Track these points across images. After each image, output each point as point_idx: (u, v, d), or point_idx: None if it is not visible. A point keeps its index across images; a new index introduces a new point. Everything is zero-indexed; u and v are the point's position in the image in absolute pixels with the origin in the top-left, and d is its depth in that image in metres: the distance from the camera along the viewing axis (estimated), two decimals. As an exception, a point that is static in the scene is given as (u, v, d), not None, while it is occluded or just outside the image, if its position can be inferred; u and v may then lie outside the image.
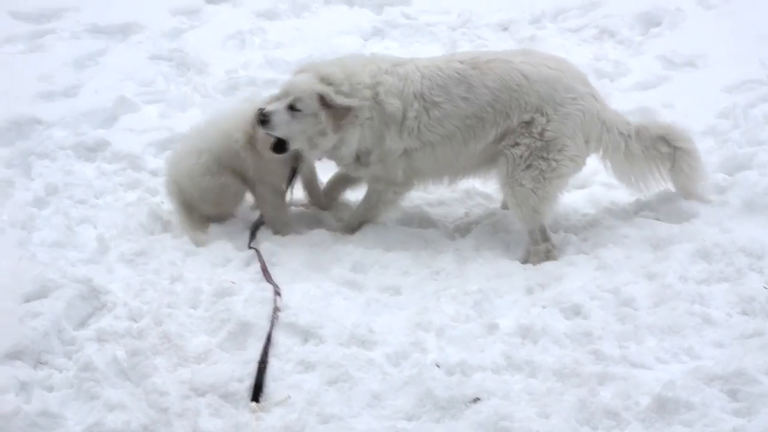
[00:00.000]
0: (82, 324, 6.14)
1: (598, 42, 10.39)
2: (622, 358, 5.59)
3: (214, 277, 6.54)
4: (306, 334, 5.93)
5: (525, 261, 6.89)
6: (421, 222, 7.48)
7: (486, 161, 7.08)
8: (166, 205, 7.53)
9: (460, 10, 11.29)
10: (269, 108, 6.79)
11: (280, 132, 6.82)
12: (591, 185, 7.66)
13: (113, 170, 8.21)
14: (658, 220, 7.09)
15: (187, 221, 7.27)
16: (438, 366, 5.63)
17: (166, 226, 7.37)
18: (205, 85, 9.64)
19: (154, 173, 8.15)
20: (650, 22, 10.49)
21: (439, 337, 5.92)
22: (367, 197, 7.32)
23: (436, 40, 10.64)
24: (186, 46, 10.50)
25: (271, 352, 5.74)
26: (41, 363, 5.76)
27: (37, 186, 7.84)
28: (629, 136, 7.00)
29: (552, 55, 7.51)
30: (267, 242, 7.04)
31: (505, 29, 10.92)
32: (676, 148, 7.02)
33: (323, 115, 6.79)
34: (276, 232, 7.24)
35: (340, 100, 6.77)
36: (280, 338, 5.85)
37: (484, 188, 7.55)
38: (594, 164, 7.72)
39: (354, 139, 6.93)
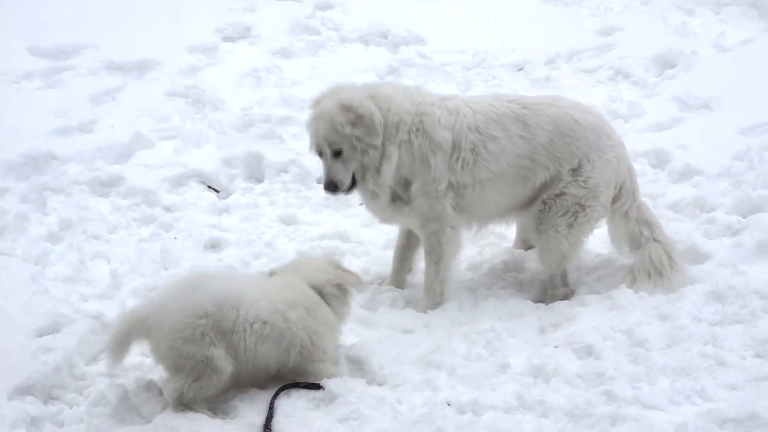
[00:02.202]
0: (94, 359, 6.15)
1: (613, 83, 10.42)
2: (635, 400, 5.55)
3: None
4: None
5: (539, 301, 6.86)
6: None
7: (525, 206, 7.02)
8: (179, 241, 7.55)
9: (475, 50, 11.34)
10: (326, 173, 6.79)
11: (348, 180, 6.81)
12: (605, 225, 7.62)
13: (127, 206, 8.24)
14: (671, 261, 7.07)
15: None
16: (449, 405, 5.61)
17: (178, 262, 7.38)
18: (221, 122, 9.69)
19: (168, 209, 8.19)
20: (665, 63, 10.51)
21: (450, 376, 5.91)
22: (430, 253, 6.97)
23: (450, 80, 10.67)
24: (202, 83, 10.56)
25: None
26: (52, 398, 5.77)
27: (52, 221, 7.88)
28: (636, 200, 7.02)
29: (585, 104, 7.49)
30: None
31: (520, 69, 10.95)
32: (656, 240, 6.95)
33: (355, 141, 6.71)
34: None
35: (354, 133, 6.67)
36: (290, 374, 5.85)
37: (497, 227, 7.52)
38: (608, 204, 7.74)
39: (393, 156, 6.78)
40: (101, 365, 6.03)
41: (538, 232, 6.94)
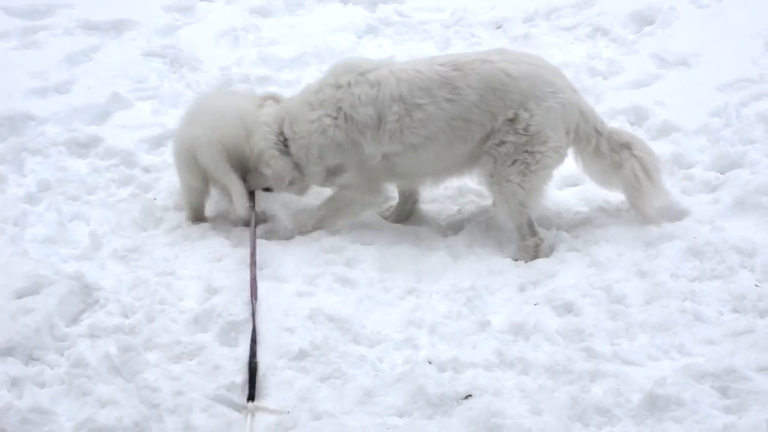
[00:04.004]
0: (74, 320, 6.14)
1: (592, 40, 10.38)
2: (614, 356, 5.61)
3: (207, 274, 6.54)
4: (298, 331, 5.93)
5: (518, 259, 6.90)
6: (414, 219, 7.50)
7: (470, 161, 7.09)
8: (159, 202, 7.53)
9: (453, 8, 11.28)
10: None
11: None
12: (583, 183, 7.65)
13: (106, 166, 8.17)
14: (650, 218, 7.11)
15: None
16: (430, 363, 5.65)
17: (158, 223, 7.37)
18: (199, 82, 9.63)
19: (147, 170, 8.14)
20: (643, 20, 10.48)
21: (431, 334, 5.95)
22: (332, 200, 7.29)
23: (429, 38, 10.63)
24: (179, 42, 10.48)
25: (263, 349, 5.75)
26: (33, 359, 5.76)
27: (30, 182, 7.83)
28: (601, 134, 7.02)
29: (526, 52, 7.63)
30: (259, 239, 7.04)
31: (499, 27, 10.91)
32: (634, 156, 6.99)
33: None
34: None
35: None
36: (271, 335, 5.86)
37: (477, 186, 7.54)
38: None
39: (318, 173, 7.17)
40: (82, 326, 6.03)
41: (491, 185, 7.01)
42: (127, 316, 6.14)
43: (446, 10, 11.31)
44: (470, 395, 5.35)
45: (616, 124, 8.36)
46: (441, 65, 6.98)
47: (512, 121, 6.86)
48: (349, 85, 7.00)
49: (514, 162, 6.86)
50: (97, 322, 6.05)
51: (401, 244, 7.07)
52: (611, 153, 7.02)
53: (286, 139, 7.15)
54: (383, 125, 6.91)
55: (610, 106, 8.68)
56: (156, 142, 8.56)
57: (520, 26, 10.79)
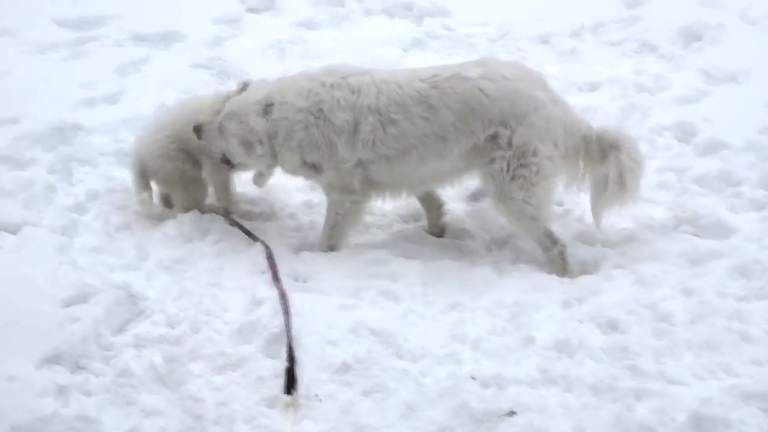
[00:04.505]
0: (120, 330, 6.18)
1: (639, 56, 10.32)
2: (659, 374, 5.57)
3: (251, 285, 6.57)
4: (341, 344, 5.94)
5: (552, 272, 6.88)
6: (457, 233, 7.48)
7: (452, 174, 7.15)
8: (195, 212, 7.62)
9: (499, 22, 11.27)
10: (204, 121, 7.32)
11: (210, 145, 7.37)
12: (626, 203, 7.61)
13: (153, 177, 8.25)
14: (696, 236, 7.06)
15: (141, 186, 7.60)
16: (473, 378, 5.64)
17: (204, 234, 7.40)
18: (245, 94, 9.68)
19: (193, 180, 8.20)
20: (692, 36, 10.41)
21: (474, 350, 5.94)
22: (327, 215, 7.28)
23: (475, 52, 10.60)
24: (226, 54, 10.56)
25: (307, 360, 5.76)
26: (79, 368, 5.80)
27: (78, 192, 7.89)
28: (590, 140, 6.98)
29: (509, 62, 7.72)
30: (305, 251, 7.07)
31: (545, 42, 10.88)
32: (619, 160, 6.90)
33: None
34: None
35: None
36: (315, 348, 5.88)
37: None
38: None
39: (292, 159, 7.15)
40: (128, 336, 6.08)
41: (498, 205, 7.01)
42: (172, 327, 6.17)
43: (492, 23, 11.29)
44: (514, 412, 5.34)
45: (662, 140, 8.35)
46: (422, 80, 6.99)
47: (494, 137, 6.86)
48: (332, 86, 7.04)
49: (513, 179, 6.85)
50: (143, 332, 6.10)
51: (445, 259, 7.07)
52: (599, 155, 6.98)
53: (269, 105, 7.16)
54: (358, 133, 6.95)
55: (656, 122, 8.64)
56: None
57: (567, 41, 10.76)
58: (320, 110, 6.99)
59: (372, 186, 7.19)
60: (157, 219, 7.58)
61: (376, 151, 6.96)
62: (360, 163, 7.02)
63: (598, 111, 9.03)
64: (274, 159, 7.23)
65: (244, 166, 7.48)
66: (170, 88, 9.75)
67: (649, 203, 7.51)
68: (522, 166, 6.82)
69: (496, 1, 11.92)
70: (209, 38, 11.02)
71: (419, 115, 6.89)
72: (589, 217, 7.28)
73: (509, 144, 6.81)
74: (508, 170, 6.83)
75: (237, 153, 7.24)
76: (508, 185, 6.85)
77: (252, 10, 11.91)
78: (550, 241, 6.93)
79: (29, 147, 8.47)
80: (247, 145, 7.14)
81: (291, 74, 7.56)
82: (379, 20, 11.69)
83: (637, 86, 9.43)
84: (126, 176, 8.13)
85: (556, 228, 7.07)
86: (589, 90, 9.63)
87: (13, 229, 7.21)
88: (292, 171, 7.31)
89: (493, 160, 6.87)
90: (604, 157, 6.98)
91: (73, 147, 8.53)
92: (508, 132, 6.81)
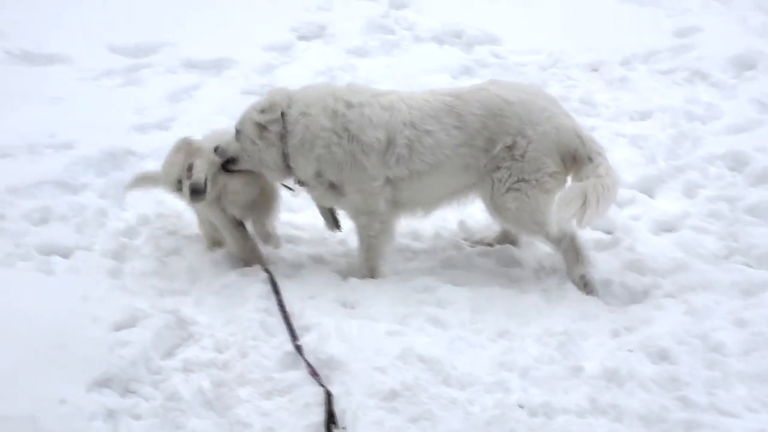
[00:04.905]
0: (169, 354, 6.22)
1: (690, 84, 10.27)
2: (711, 406, 5.50)
3: (299, 311, 6.58)
4: (389, 370, 5.93)
5: (613, 304, 6.82)
6: (507, 261, 7.45)
7: (465, 191, 7.21)
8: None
9: (550, 50, 11.27)
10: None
11: (222, 156, 7.23)
12: (680, 229, 7.56)
13: (203, 202, 8.31)
14: (749, 266, 6.98)
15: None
16: (521, 407, 5.60)
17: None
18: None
19: (243, 206, 8.25)
20: (744, 65, 10.35)
21: (522, 378, 5.89)
22: (359, 240, 7.28)
23: (525, 80, 10.60)
24: (277, 81, 10.61)
25: (355, 386, 5.75)
26: (129, 391, 5.84)
27: (130, 216, 7.96)
28: (592, 162, 6.88)
29: (519, 82, 7.81)
30: (353, 278, 7.08)
31: (595, 70, 10.87)
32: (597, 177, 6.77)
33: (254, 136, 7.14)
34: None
35: (260, 118, 7.13)
36: (363, 374, 5.86)
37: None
38: (684, 207, 7.67)
39: (307, 168, 7.10)
40: (177, 360, 6.11)
41: (493, 212, 7.09)
42: (220, 351, 6.20)
43: (543, 52, 11.30)
44: (562, 441, 5.30)
45: (714, 169, 8.29)
46: (443, 95, 7.11)
47: (510, 148, 6.91)
48: (361, 105, 7.06)
49: (508, 190, 6.93)
50: (192, 356, 6.13)
51: (494, 286, 7.04)
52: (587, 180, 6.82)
53: (283, 113, 7.14)
54: (392, 149, 6.98)
55: (708, 151, 8.57)
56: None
57: (617, 69, 10.74)
58: (346, 130, 7.01)
59: (397, 205, 7.22)
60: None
61: (410, 166, 7.01)
62: (388, 182, 7.06)
63: (648, 139, 9.00)
64: (282, 157, 7.17)
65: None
66: (221, 114, 9.80)
67: (701, 232, 7.45)
68: (523, 180, 6.90)
69: (546, 29, 11.95)
70: (260, 65, 11.12)
71: (452, 125, 6.97)
72: (639, 246, 7.24)
73: (522, 156, 6.88)
74: (506, 181, 6.92)
75: (250, 140, 7.18)
76: (503, 196, 6.96)
77: (303, 37, 12.03)
78: (556, 237, 6.97)
79: (82, 172, 8.59)
80: (269, 120, 7.13)
81: (316, 85, 7.62)
82: (428, 48, 11.75)
83: (688, 115, 9.38)
84: (177, 202, 8.21)
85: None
86: (639, 118, 9.60)
87: (66, 253, 7.30)
88: (305, 179, 7.24)
89: (497, 169, 6.95)
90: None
91: (125, 172, 8.61)
92: (524, 142, 6.88)
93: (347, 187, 7.10)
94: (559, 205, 6.66)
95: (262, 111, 7.12)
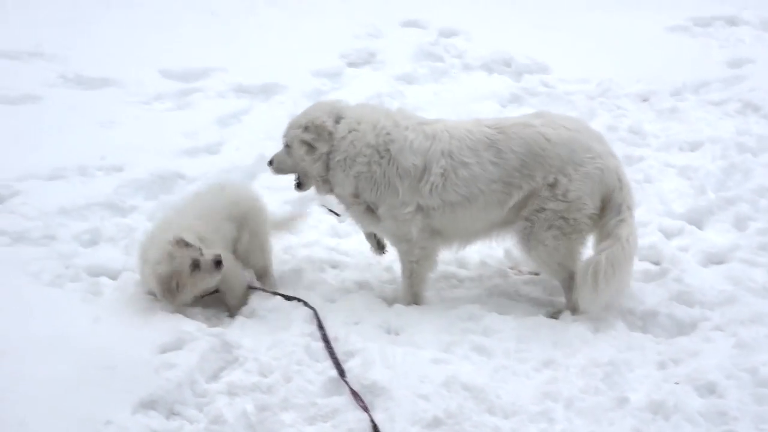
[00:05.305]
0: (214, 377, 6.24)
1: (742, 116, 10.21)
2: (759, 441, 5.43)
3: (344, 336, 6.58)
4: (433, 398, 5.90)
5: (659, 336, 6.77)
6: (552, 290, 7.41)
7: (501, 226, 7.17)
8: (300, 263, 7.65)
9: (599, 80, 11.26)
10: (273, 156, 7.43)
11: (283, 168, 7.39)
12: (729, 261, 7.49)
13: (251, 227, 8.36)
14: (800, 299, 6.90)
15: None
16: (565, 438, 5.56)
17: (297, 284, 7.45)
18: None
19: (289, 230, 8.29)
20: (797, 96, 10.29)
21: (567, 409, 5.85)
22: (402, 266, 7.29)
23: (573, 109, 10.61)
24: (326, 107, 10.69)
25: (398, 413, 5.74)
26: (174, 414, 5.87)
27: (178, 239, 8.02)
28: (620, 215, 6.90)
29: (567, 116, 7.64)
30: (398, 304, 7.08)
31: (645, 100, 10.83)
32: (603, 252, 6.79)
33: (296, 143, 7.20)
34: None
35: (304, 137, 7.15)
36: (406, 401, 5.84)
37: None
38: (733, 239, 7.59)
39: (345, 185, 7.13)
40: (221, 383, 6.13)
41: (528, 250, 7.04)
42: (264, 375, 6.20)
43: (592, 81, 11.29)
44: (606, 474, 5.25)
45: (765, 201, 8.20)
46: (488, 127, 7.07)
47: (552, 186, 6.89)
48: (406, 129, 7.08)
49: (549, 227, 6.91)
50: (236, 379, 6.14)
51: (539, 315, 7.01)
52: (606, 237, 6.89)
53: (340, 117, 7.18)
54: (426, 176, 6.97)
55: (759, 183, 8.51)
56: (299, 204, 8.71)
57: (668, 99, 10.71)
58: (387, 150, 7.04)
59: (434, 234, 7.19)
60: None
61: (443, 196, 6.99)
62: (420, 209, 7.05)
63: (698, 170, 8.94)
64: (326, 170, 7.21)
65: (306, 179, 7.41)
66: (269, 139, 9.86)
67: (751, 265, 7.39)
68: (563, 218, 6.89)
69: (595, 59, 11.95)
70: (309, 90, 11.20)
71: (489, 160, 6.95)
72: (687, 278, 7.17)
73: (565, 196, 6.86)
74: (548, 219, 6.90)
75: (298, 156, 7.22)
76: (543, 233, 6.93)
77: (352, 64, 12.12)
78: (574, 283, 6.97)
79: (132, 194, 8.68)
80: (315, 138, 7.14)
81: (369, 104, 7.61)
82: (477, 75, 11.78)
83: (739, 146, 9.31)
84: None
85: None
86: (689, 149, 9.56)
87: (114, 275, 7.36)
88: (343, 197, 7.27)
89: (542, 210, 6.92)
90: (605, 237, 6.92)
91: (173, 195, 8.69)
92: (566, 180, 6.86)
93: (381, 209, 7.13)
94: (582, 282, 6.78)
95: (306, 128, 7.15)
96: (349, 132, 7.11)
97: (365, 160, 7.05)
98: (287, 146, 7.28)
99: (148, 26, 13.16)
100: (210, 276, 6.79)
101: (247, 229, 7.38)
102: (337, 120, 7.18)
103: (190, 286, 6.77)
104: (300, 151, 7.18)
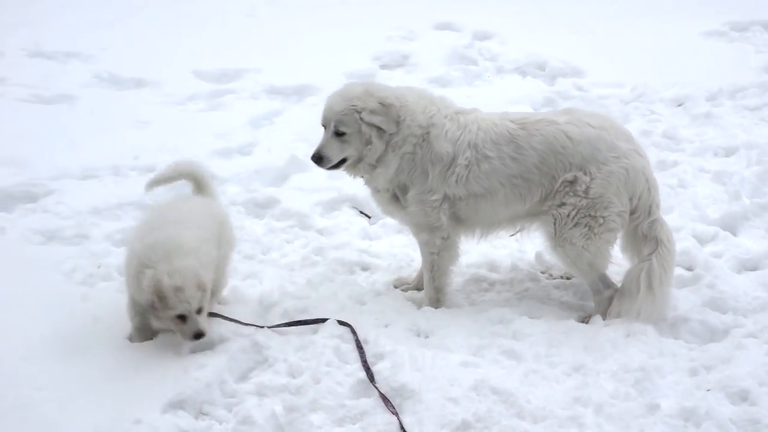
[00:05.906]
0: (243, 377, 6.25)
1: (778, 121, 10.14)
2: (792, 450, 5.38)
3: (374, 339, 6.57)
4: (462, 401, 5.88)
5: (595, 312, 6.95)
6: (583, 294, 7.37)
7: (526, 218, 7.16)
8: (331, 264, 7.65)
9: (633, 84, 11.20)
10: (319, 146, 7.06)
11: (335, 160, 7.05)
12: (764, 268, 7.42)
13: (281, 228, 8.39)
14: (835, 306, 6.83)
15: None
16: (596, 444, 5.52)
17: (329, 286, 7.45)
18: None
19: (320, 232, 8.33)
20: (834, 102, 10.19)
21: (597, 414, 5.81)
22: (423, 259, 7.29)
23: (608, 113, 10.55)
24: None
25: (427, 417, 5.73)
26: (203, 413, 5.87)
27: (209, 240, 8.04)
28: (651, 216, 6.93)
29: (595, 112, 7.55)
30: (426, 307, 7.06)
31: (680, 105, 10.77)
32: (652, 258, 6.82)
33: (364, 128, 6.94)
34: None
35: (372, 119, 6.92)
36: (435, 405, 5.83)
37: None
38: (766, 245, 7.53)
39: (392, 165, 7.04)
40: (250, 384, 6.13)
41: (554, 248, 7.02)
42: (293, 377, 6.20)
43: (626, 85, 11.24)
44: (636, 480, 5.21)
45: (800, 207, 8.15)
46: (512, 121, 7.04)
47: (571, 183, 6.86)
48: (446, 117, 7.07)
49: (576, 225, 6.87)
50: (265, 380, 6.14)
51: (570, 319, 6.97)
52: (642, 239, 6.94)
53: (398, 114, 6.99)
54: (453, 166, 6.96)
55: (796, 190, 8.44)
56: (330, 206, 8.74)
57: (703, 105, 10.63)
58: (428, 134, 7.03)
59: (459, 223, 7.20)
60: (289, 268, 7.68)
61: (467, 187, 6.99)
62: (446, 198, 7.04)
63: (733, 176, 8.87)
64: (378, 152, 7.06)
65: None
66: (301, 140, 9.92)
67: (785, 272, 7.31)
68: (590, 216, 6.85)
69: (630, 63, 11.90)
70: (342, 93, 11.19)
71: (509, 155, 6.94)
72: (721, 284, 7.11)
73: (586, 193, 6.83)
74: (574, 216, 6.87)
75: (364, 140, 7.01)
76: (570, 231, 6.90)
77: (385, 66, 12.13)
78: (603, 285, 6.99)
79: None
80: (384, 120, 6.97)
81: (415, 88, 7.47)
82: (511, 79, 11.77)
83: (775, 152, 9.23)
84: (255, 227, 8.29)
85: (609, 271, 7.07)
86: (724, 155, 9.48)
87: (145, 274, 7.38)
88: (380, 179, 7.14)
89: (563, 204, 6.90)
90: (642, 243, 6.94)
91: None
92: (587, 178, 6.83)
93: (410, 194, 7.10)
94: (621, 296, 6.83)
95: (373, 112, 6.92)
96: (408, 114, 7.06)
97: (414, 141, 7.03)
98: (341, 134, 6.98)
99: (182, 27, 13.25)
100: (181, 332, 6.24)
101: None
102: (401, 104, 7.08)
103: (160, 320, 6.23)
104: (368, 134, 6.96)
